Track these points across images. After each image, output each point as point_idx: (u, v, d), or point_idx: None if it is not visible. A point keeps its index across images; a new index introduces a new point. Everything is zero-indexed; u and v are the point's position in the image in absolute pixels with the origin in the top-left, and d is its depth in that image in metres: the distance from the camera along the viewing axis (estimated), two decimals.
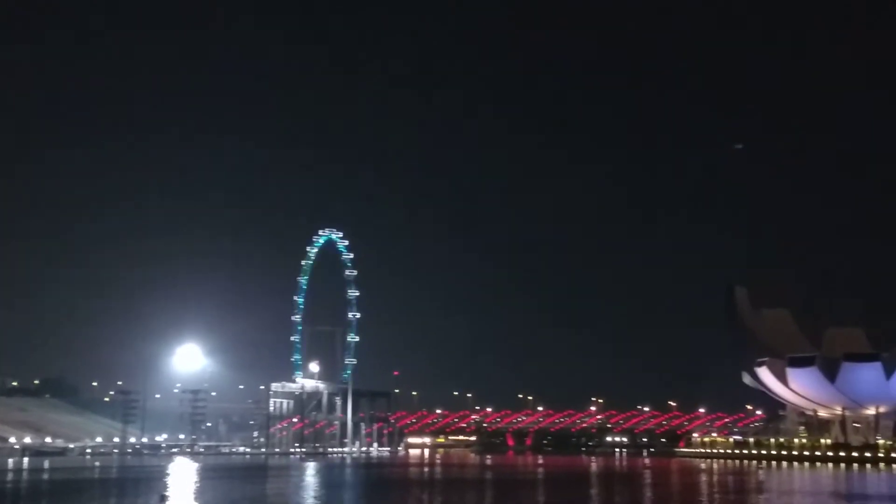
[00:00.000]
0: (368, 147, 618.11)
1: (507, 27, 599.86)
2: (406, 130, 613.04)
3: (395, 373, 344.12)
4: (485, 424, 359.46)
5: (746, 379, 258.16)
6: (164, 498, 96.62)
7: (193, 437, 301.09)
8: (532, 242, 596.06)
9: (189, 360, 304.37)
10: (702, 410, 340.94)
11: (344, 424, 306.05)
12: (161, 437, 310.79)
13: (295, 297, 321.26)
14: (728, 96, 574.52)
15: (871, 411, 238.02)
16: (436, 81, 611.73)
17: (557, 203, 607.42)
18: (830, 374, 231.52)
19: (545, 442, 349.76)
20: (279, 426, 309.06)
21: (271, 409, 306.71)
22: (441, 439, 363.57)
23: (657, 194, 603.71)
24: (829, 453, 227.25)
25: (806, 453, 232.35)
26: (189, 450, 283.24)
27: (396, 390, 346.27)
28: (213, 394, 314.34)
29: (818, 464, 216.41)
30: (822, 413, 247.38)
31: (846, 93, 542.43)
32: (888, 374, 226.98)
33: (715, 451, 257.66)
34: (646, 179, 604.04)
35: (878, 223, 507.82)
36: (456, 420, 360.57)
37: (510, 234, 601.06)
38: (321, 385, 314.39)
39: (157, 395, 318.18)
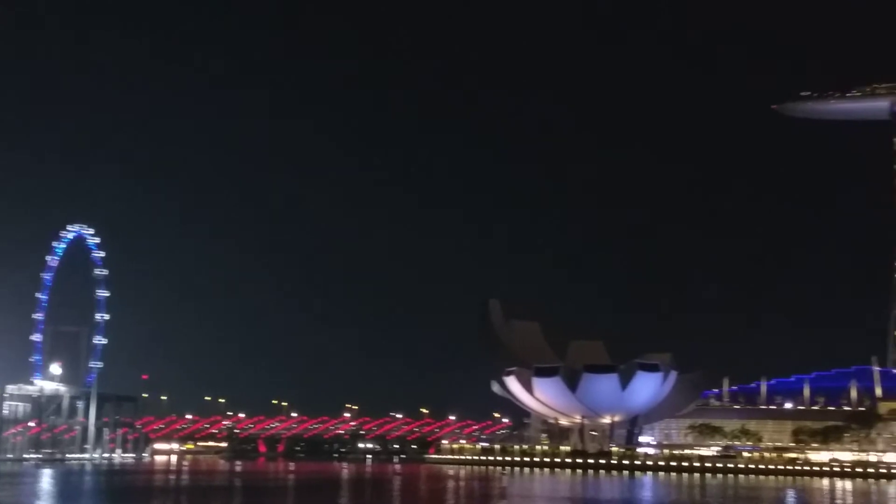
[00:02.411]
0: (124, 143, 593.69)
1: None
2: (163, 128, 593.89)
3: (144, 376, 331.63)
4: (236, 430, 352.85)
5: (495, 387, 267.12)
6: None
7: None
8: (289, 244, 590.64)
9: None
10: (452, 418, 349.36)
11: (85, 429, 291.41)
12: None
13: (38, 294, 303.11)
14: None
15: (607, 420, 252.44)
16: (192, 77, 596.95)
17: (321, 205, 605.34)
18: (572, 384, 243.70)
19: (297, 448, 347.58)
20: (13, 430, 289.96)
21: (5, 412, 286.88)
22: (190, 445, 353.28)
23: (418, 204, 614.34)
24: (568, 460, 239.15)
25: (547, 460, 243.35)
26: None
27: (145, 395, 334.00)
28: None
29: (558, 470, 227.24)
30: (564, 421, 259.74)
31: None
32: (623, 386, 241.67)
33: (463, 457, 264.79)
34: (410, 185, 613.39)
35: (618, 239, 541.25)
36: (207, 426, 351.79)
37: (268, 235, 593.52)
38: (62, 388, 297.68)
39: None
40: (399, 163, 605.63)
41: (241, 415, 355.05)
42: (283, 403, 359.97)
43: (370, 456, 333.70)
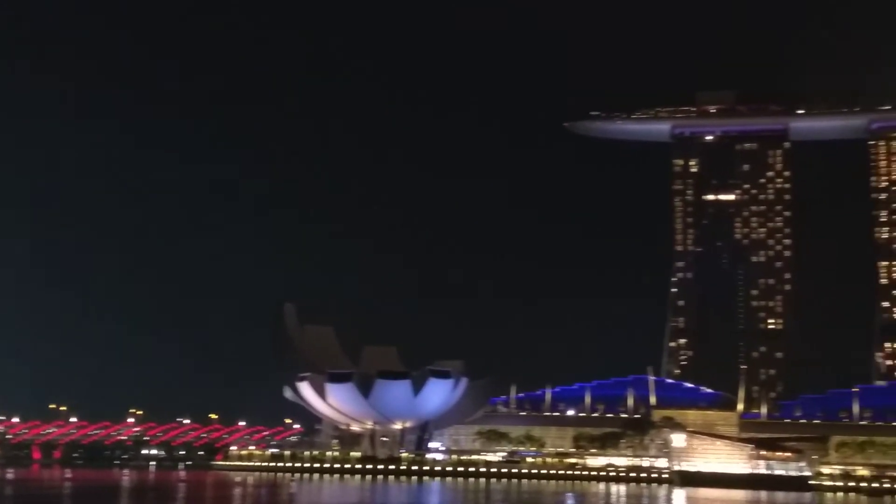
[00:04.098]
0: None
1: None
2: None
3: None
4: (9, 436, 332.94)
5: (288, 393, 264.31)
6: None
7: None
8: (70, 241, 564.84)
9: None
10: (242, 423, 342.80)
11: None
12: None
13: None
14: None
15: (398, 426, 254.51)
16: None
17: (106, 201, 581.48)
18: (365, 390, 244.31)
19: (76, 455, 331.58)
20: None
21: None
22: None
23: (220, 205, 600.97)
24: (359, 466, 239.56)
25: (337, 466, 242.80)
26: None
27: None
28: None
29: (348, 476, 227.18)
30: (355, 427, 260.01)
31: None
32: (416, 392, 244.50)
33: (252, 464, 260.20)
34: (214, 185, 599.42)
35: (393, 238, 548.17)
36: None
37: (50, 232, 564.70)
38: None
39: None
40: (194, 164, 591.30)
41: (15, 419, 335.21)
42: (62, 408, 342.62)
43: (154, 463, 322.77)
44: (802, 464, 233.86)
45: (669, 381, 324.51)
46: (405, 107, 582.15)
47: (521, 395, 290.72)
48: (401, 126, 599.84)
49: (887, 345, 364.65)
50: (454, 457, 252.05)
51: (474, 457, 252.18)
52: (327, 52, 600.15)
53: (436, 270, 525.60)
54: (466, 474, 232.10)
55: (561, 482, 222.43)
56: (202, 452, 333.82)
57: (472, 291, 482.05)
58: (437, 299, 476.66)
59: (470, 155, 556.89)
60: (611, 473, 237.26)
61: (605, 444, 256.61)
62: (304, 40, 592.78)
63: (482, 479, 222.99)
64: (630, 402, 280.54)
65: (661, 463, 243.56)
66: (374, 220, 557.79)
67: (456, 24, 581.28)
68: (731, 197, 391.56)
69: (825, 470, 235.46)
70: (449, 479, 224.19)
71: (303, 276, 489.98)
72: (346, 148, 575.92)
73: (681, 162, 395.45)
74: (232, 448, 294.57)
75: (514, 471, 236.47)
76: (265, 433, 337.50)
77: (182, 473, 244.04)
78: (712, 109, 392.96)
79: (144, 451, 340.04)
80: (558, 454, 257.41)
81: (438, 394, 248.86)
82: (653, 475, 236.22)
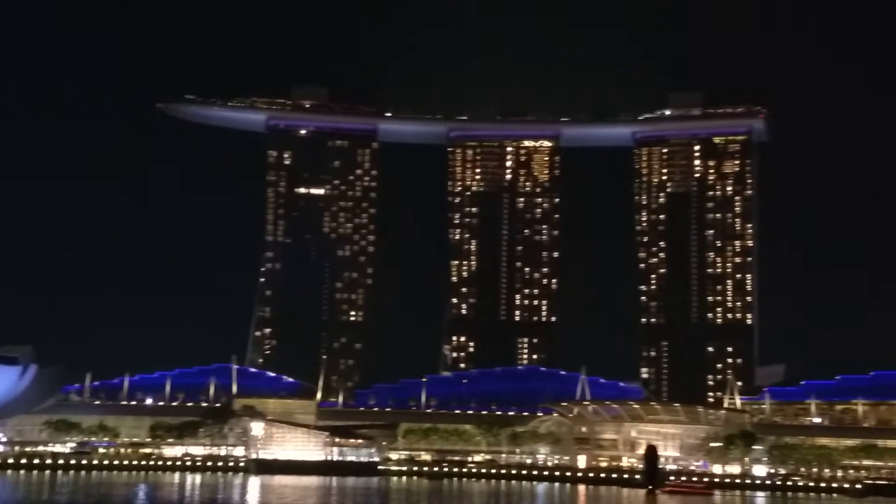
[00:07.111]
0: None
1: None
2: None
3: None
4: None
5: None
6: None
7: None
8: None
9: None
10: None
11: None
12: None
13: None
14: None
15: None
16: None
17: None
18: None
19: None
20: None
21: None
22: None
23: None
24: None
25: None
26: None
27: None
28: None
29: None
30: None
31: None
32: None
33: None
34: None
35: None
36: None
37: None
38: None
39: None
40: None
41: None
42: None
43: None
44: (373, 450, 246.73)
45: (253, 370, 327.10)
46: None
47: (96, 383, 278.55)
48: None
49: (454, 338, 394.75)
50: (17, 448, 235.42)
51: (40, 448, 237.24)
52: None
53: (10, 253, 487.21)
54: (31, 467, 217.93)
55: (135, 473, 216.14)
56: None
57: (53, 276, 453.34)
58: (10, 282, 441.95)
59: (55, 135, 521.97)
60: (187, 463, 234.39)
61: (184, 433, 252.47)
62: None
63: (48, 472, 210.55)
64: (212, 390, 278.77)
65: (239, 451, 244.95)
66: None
67: None
68: (322, 191, 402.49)
69: (393, 455, 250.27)
70: (10, 472, 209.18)
71: None
72: None
73: (275, 153, 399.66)
74: None
75: (83, 462, 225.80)
76: None
77: None
78: (307, 104, 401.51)
79: None
80: (133, 444, 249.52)
81: (3, 381, 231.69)
82: (230, 464, 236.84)
